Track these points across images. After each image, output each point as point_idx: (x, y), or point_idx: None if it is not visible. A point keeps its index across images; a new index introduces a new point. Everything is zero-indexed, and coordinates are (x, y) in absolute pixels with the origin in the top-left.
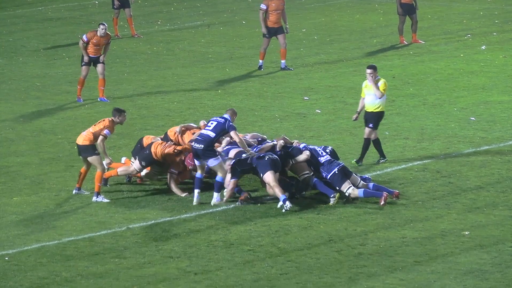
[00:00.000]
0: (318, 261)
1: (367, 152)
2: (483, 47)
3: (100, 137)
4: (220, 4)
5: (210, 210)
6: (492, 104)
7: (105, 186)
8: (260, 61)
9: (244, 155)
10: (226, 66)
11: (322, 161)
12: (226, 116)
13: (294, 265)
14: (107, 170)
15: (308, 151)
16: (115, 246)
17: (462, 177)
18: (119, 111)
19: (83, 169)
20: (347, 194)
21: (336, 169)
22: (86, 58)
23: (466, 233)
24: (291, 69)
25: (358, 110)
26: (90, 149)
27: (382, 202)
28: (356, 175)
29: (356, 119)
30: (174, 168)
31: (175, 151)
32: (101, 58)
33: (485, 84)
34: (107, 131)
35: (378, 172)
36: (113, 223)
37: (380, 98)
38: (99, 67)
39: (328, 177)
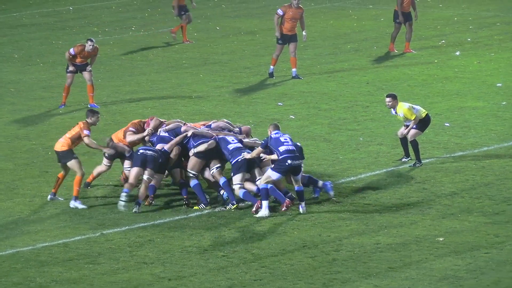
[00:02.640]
0: (292, 267)
1: (418, 150)
2: (457, 53)
3: (85, 139)
4: (194, 10)
5: (184, 216)
6: (467, 110)
7: (86, 188)
8: (271, 67)
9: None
10: (200, 72)
11: (231, 148)
12: (276, 130)
13: (268, 271)
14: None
15: (213, 141)
16: (89, 252)
17: (436, 183)
18: (92, 112)
19: (60, 174)
20: (233, 187)
21: (240, 157)
22: (71, 67)
23: (441, 239)
24: (301, 78)
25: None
26: (69, 154)
27: (284, 208)
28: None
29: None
30: None
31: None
32: (88, 67)
33: (459, 90)
34: (86, 130)
35: (352, 178)
36: (87, 228)
37: (413, 120)
38: (86, 74)
39: (232, 162)
